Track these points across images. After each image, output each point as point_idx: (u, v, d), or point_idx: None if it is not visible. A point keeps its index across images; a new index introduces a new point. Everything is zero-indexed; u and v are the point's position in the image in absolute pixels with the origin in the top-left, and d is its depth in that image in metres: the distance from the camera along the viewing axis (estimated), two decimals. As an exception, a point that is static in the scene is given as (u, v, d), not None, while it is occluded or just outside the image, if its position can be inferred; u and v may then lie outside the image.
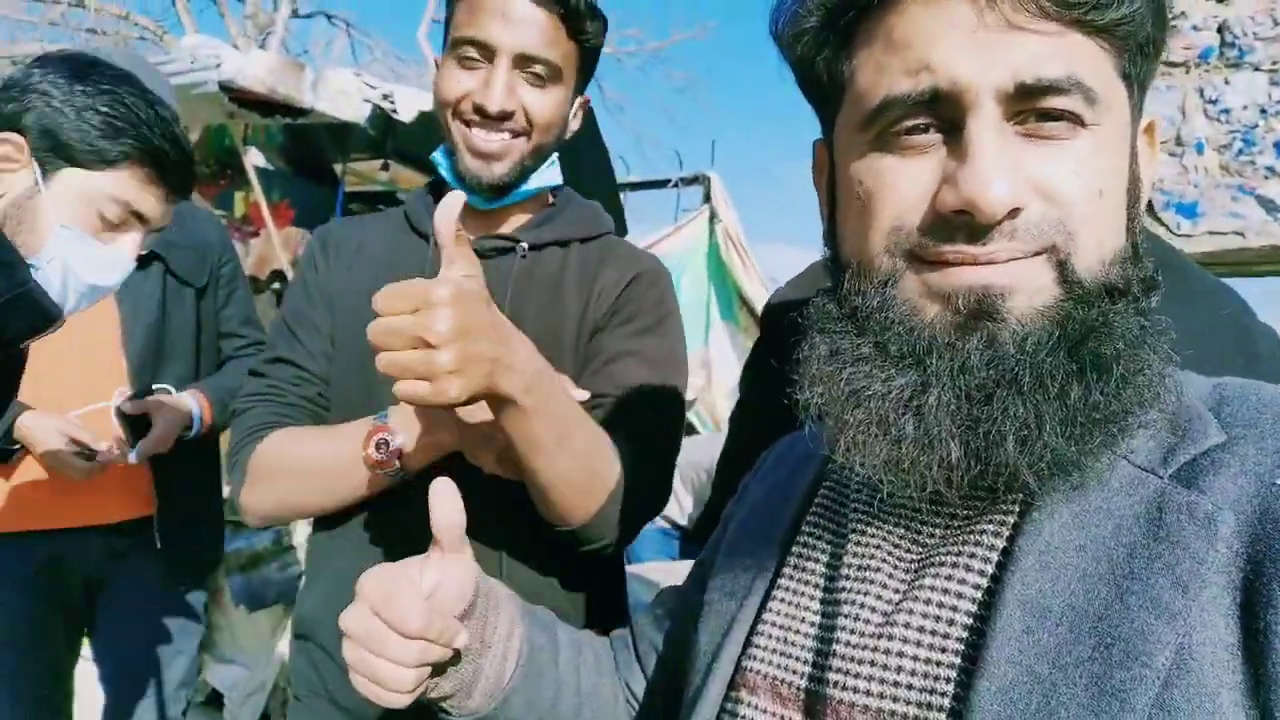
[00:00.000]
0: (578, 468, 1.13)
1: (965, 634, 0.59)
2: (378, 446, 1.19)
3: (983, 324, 0.58)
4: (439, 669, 0.78)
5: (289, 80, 4.01)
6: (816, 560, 0.72)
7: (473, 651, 0.80)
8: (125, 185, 1.34)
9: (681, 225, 5.40)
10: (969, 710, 0.55)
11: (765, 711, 0.68)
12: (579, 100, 1.40)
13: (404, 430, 1.20)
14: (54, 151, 1.28)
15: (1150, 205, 2.48)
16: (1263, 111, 2.41)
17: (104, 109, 1.31)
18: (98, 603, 2.32)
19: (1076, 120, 0.58)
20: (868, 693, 0.61)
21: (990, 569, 0.61)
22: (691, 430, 5.26)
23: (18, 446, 2.08)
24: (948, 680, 0.58)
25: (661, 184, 5.81)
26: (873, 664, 0.62)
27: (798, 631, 0.69)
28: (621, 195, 5.73)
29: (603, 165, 5.23)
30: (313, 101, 4.09)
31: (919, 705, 0.59)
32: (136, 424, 2.14)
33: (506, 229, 1.39)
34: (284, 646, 3.57)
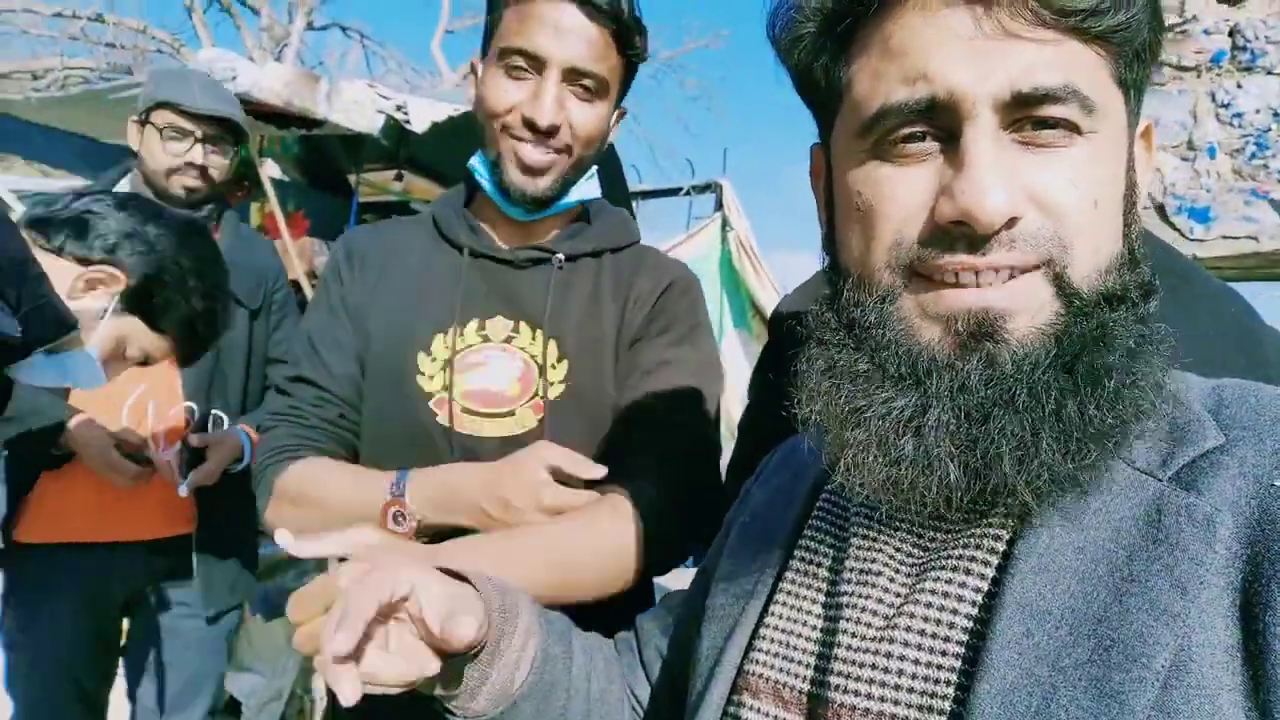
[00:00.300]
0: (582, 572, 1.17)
1: (965, 637, 0.59)
2: (394, 519, 1.20)
3: (983, 345, 0.58)
4: (449, 671, 0.78)
5: (304, 92, 4.06)
6: (818, 564, 0.72)
7: (482, 659, 0.80)
8: (159, 344, 1.52)
9: (693, 233, 5.41)
10: (969, 713, 0.55)
11: (767, 715, 0.68)
12: (617, 112, 1.39)
13: (420, 504, 1.20)
14: (135, 300, 1.44)
15: (1162, 210, 2.47)
16: (1275, 115, 2.40)
17: (199, 305, 1.50)
18: (133, 622, 2.33)
19: (1073, 128, 0.58)
20: (869, 696, 0.61)
21: (990, 572, 0.61)
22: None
23: (67, 452, 2.08)
24: (948, 683, 0.59)
25: (673, 192, 5.82)
26: (873, 667, 0.62)
27: (799, 635, 0.69)
28: (634, 204, 5.75)
29: (615, 174, 5.25)
30: (327, 113, 4.13)
31: (919, 708, 0.59)
32: (192, 454, 2.15)
33: (541, 239, 1.39)
34: (300, 654, 3.58)
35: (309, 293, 4.34)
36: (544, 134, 1.26)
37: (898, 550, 0.67)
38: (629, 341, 1.36)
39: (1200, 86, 2.56)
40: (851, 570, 0.68)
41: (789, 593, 0.72)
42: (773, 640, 0.71)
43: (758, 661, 0.71)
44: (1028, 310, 0.58)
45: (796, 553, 0.75)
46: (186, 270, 1.48)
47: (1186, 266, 1.04)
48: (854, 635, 0.64)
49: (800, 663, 0.68)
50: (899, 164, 0.61)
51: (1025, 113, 0.58)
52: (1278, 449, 0.57)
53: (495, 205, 1.36)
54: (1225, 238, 2.39)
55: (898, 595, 0.64)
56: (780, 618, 0.72)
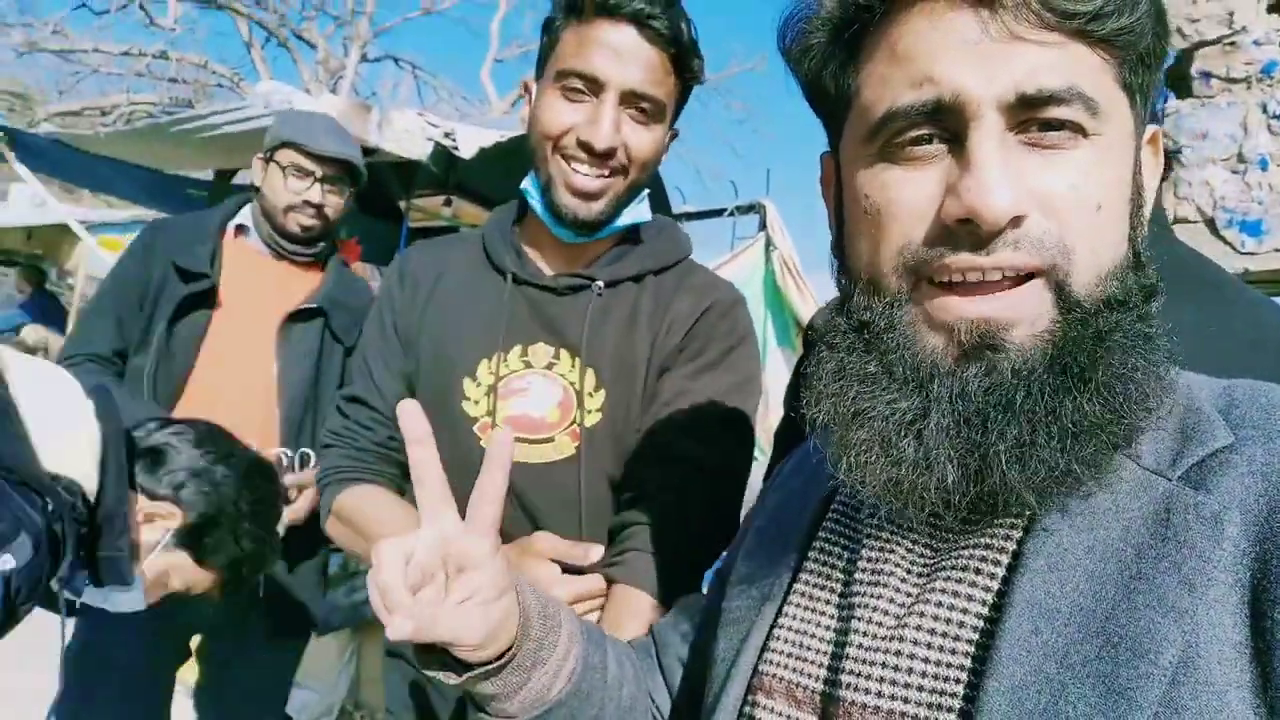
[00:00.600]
0: None
1: (975, 636, 0.60)
2: None
3: (984, 354, 0.59)
4: (487, 673, 0.79)
5: (356, 121, 4.17)
6: (832, 566, 0.73)
7: (523, 665, 0.80)
8: (203, 579, 1.56)
9: (737, 253, 5.42)
10: (978, 710, 0.55)
11: (781, 715, 0.69)
12: (670, 134, 1.38)
13: None
14: (188, 537, 1.49)
15: (1212, 223, 2.43)
16: (1329, 125, 2.35)
17: (247, 547, 1.55)
18: (201, 641, 2.35)
19: (1079, 130, 0.59)
20: (879, 694, 0.62)
21: (1000, 572, 0.61)
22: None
23: None
24: (957, 681, 0.59)
25: (717, 213, 5.83)
26: (884, 665, 0.63)
27: (813, 636, 0.70)
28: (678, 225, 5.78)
29: (659, 195, 5.30)
30: (378, 141, 4.24)
31: (929, 706, 0.60)
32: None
33: (586, 262, 1.39)
34: (352, 670, 3.64)
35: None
36: (600, 156, 1.25)
37: (909, 552, 0.67)
38: (660, 369, 1.35)
39: (1251, 98, 2.52)
40: (863, 572, 0.68)
41: (803, 594, 0.73)
42: (787, 641, 0.72)
43: (772, 662, 0.71)
44: (1028, 319, 0.59)
45: (810, 555, 0.75)
46: (243, 514, 1.54)
47: (1220, 277, 1.03)
48: (865, 635, 0.65)
49: (813, 663, 0.69)
50: (906, 166, 0.62)
51: (1030, 114, 0.58)
52: None
53: (544, 227, 1.36)
54: (1278, 251, 2.35)
55: (908, 595, 0.65)
56: (794, 619, 0.72)
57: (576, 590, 1.23)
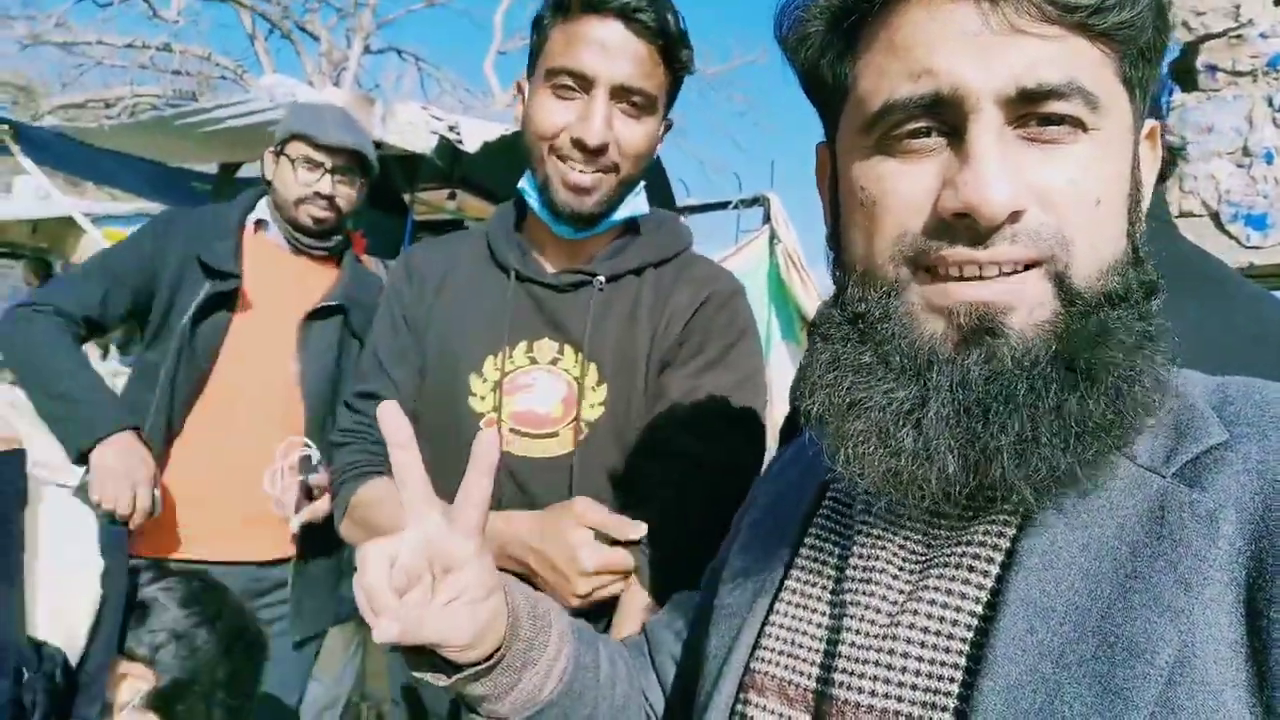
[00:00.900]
0: None
1: (969, 634, 0.59)
2: None
3: (983, 339, 0.58)
4: (477, 674, 0.78)
5: (360, 115, 4.16)
6: (823, 562, 0.72)
7: (513, 666, 0.80)
8: None
9: (741, 246, 5.41)
10: (973, 710, 0.55)
11: (774, 713, 0.68)
12: (664, 124, 1.39)
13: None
14: (160, 701, 1.44)
15: (1216, 217, 2.43)
16: (1335, 119, 2.35)
17: (218, 717, 1.49)
18: None
19: (1078, 125, 0.58)
20: (873, 693, 0.62)
21: (994, 569, 0.61)
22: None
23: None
24: (951, 680, 0.59)
25: (721, 206, 5.82)
26: (877, 664, 0.62)
27: (805, 633, 0.70)
28: (681, 218, 5.78)
29: (662, 189, 5.29)
30: (383, 134, 4.25)
31: (924, 705, 0.59)
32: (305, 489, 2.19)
33: (586, 257, 1.40)
34: (358, 662, 3.66)
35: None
36: (593, 153, 1.26)
37: (901, 548, 0.66)
38: (659, 363, 1.36)
39: (1256, 91, 2.51)
40: (855, 568, 0.68)
41: (794, 590, 0.73)
42: (779, 639, 0.71)
43: (764, 660, 0.71)
44: (1026, 305, 0.58)
45: (802, 550, 0.75)
46: (219, 683, 1.51)
47: (1222, 272, 1.03)
48: (858, 633, 0.64)
49: (806, 660, 0.68)
50: (903, 159, 0.62)
51: (1030, 109, 0.58)
52: None
53: (545, 225, 1.37)
54: (1283, 244, 2.34)
55: (901, 592, 0.64)
56: (786, 615, 0.72)
57: (605, 560, 1.22)
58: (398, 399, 1.36)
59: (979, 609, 0.60)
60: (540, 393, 1.35)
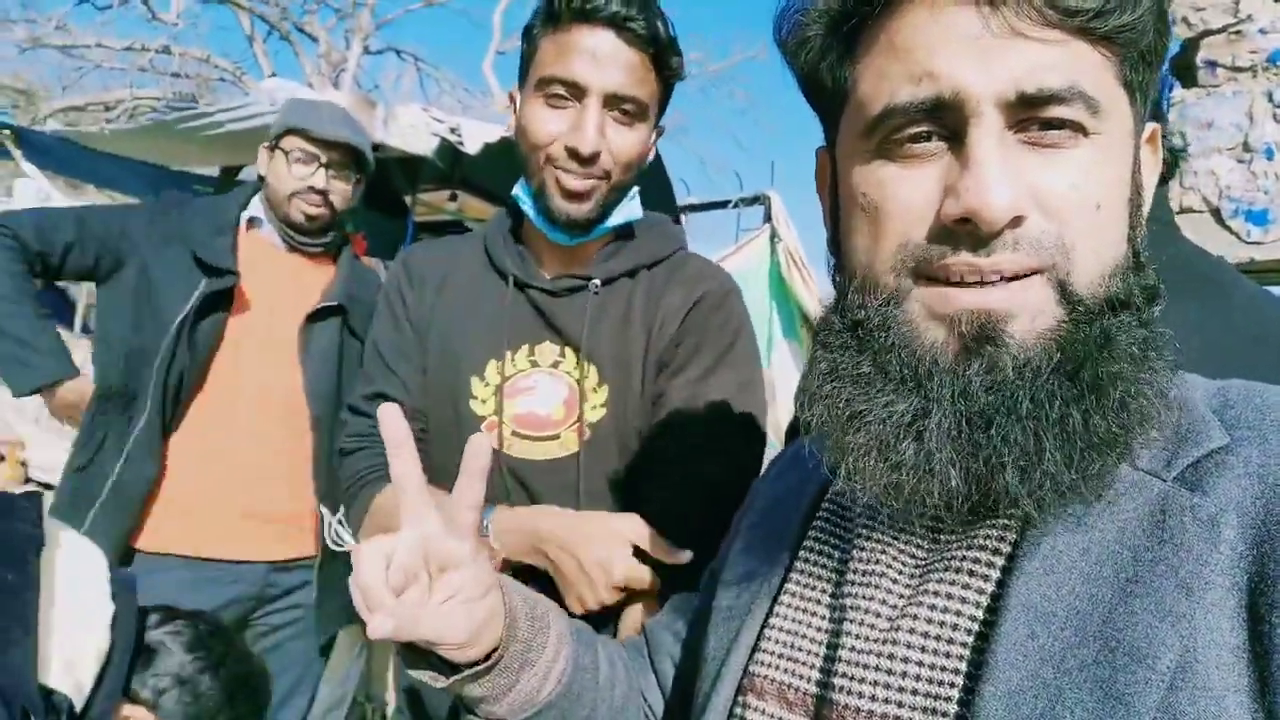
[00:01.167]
0: None
1: (969, 639, 0.59)
2: None
3: (984, 348, 0.58)
4: (474, 674, 0.79)
5: (361, 117, 4.16)
6: (823, 566, 0.72)
7: (511, 667, 0.80)
8: None
9: (742, 245, 5.40)
10: (974, 715, 0.54)
11: (772, 717, 0.68)
12: (655, 130, 1.40)
13: (502, 542, 1.25)
14: None
15: (1217, 213, 2.43)
16: (1335, 114, 2.35)
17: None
18: (241, 634, 2.34)
19: (1079, 129, 0.58)
20: (873, 698, 0.61)
21: (994, 574, 0.60)
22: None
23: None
24: (952, 685, 0.58)
25: (721, 205, 5.81)
26: (878, 669, 0.62)
27: (804, 636, 0.69)
28: (683, 217, 5.78)
29: (663, 188, 5.29)
30: (384, 137, 4.25)
31: (924, 710, 0.59)
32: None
33: (582, 263, 1.41)
34: (363, 663, 3.67)
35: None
36: (586, 161, 1.27)
37: (901, 552, 0.66)
38: (655, 364, 1.36)
39: (1256, 87, 2.51)
40: (855, 572, 0.68)
41: (794, 594, 0.72)
42: (778, 642, 0.71)
43: (763, 663, 0.71)
44: (1028, 313, 0.58)
45: (801, 554, 0.74)
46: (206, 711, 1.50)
47: (1223, 272, 1.03)
48: (858, 637, 0.64)
49: (805, 664, 0.68)
50: (904, 164, 0.61)
51: (1031, 113, 0.57)
52: None
53: (540, 232, 1.38)
54: (1284, 240, 2.34)
55: (901, 597, 0.64)
56: (785, 619, 0.71)
57: (635, 575, 1.22)
58: (406, 398, 1.38)
59: (980, 613, 0.60)
60: (541, 395, 1.36)
